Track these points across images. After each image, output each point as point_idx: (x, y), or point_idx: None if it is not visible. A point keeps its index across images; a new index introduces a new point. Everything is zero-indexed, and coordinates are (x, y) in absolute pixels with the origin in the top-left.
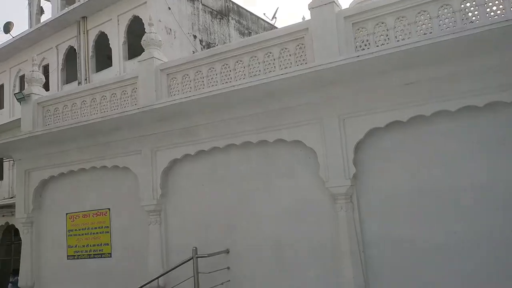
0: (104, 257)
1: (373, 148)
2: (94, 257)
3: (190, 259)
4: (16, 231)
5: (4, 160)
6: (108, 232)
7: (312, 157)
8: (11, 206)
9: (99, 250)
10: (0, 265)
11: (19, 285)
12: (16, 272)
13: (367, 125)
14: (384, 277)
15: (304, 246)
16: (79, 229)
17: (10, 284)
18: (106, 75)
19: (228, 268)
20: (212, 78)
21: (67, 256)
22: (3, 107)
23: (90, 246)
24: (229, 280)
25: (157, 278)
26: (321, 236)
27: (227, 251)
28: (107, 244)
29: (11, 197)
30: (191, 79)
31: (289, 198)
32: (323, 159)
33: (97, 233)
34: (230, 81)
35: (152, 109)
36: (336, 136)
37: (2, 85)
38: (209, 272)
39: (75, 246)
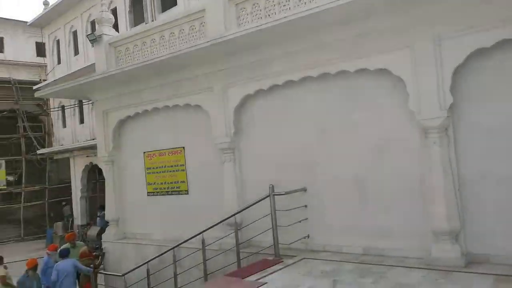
0: (181, 194)
1: (475, 74)
2: (172, 194)
3: (267, 197)
4: (100, 170)
5: (83, 103)
6: (183, 170)
7: (400, 87)
8: (93, 147)
9: (176, 188)
10: (88, 201)
11: (106, 218)
12: (102, 207)
13: (469, 46)
14: (481, 219)
15: (390, 184)
16: (157, 167)
17: (98, 218)
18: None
19: (305, 206)
20: (284, 5)
21: (147, 192)
22: (78, 53)
23: (168, 183)
24: (307, 218)
25: (234, 215)
26: (409, 173)
27: (305, 189)
28: (184, 182)
29: (93, 139)
30: (261, 7)
31: (372, 133)
32: (414, 88)
33: (173, 171)
34: (305, 4)
35: (222, 41)
36: (430, 61)
37: (75, 32)
38: (286, 210)
39: (154, 184)
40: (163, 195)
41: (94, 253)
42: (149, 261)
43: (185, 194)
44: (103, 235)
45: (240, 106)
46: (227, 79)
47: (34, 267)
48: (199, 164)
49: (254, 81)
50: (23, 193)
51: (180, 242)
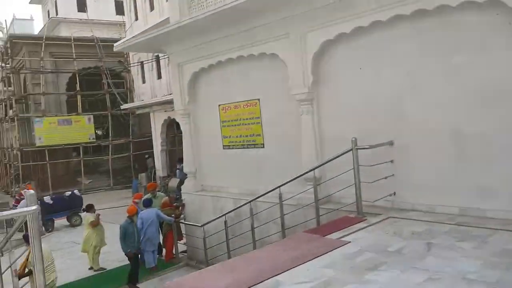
0: (257, 148)
1: None
2: (247, 147)
3: (349, 151)
4: (178, 125)
5: (160, 58)
6: (259, 123)
7: None
8: (171, 102)
9: (252, 141)
10: (168, 154)
11: (184, 170)
12: (181, 160)
13: None
14: None
15: (495, 139)
16: (232, 120)
17: (177, 170)
18: None
19: (391, 161)
20: None
21: (223, 146)
22: (153, 8)
23: (243, 136)
24: (393, 175)
25: (313, 169)
26: None
27: (391, 143)
28: (259, 135)
29: (170, 94)
30: None
31: (476, 78)
32: None
33: (249, 124)
34: None
35: None
36: None
37: None
38: (370, 166)
39: (229, 137)
40: (238, 148)
41: (175, 204)
42: (226, 213)
43: (261, 147)
44: (182, 186)
45: (319, 53)
46: (305, 24)
47: (135, 214)
48: (275, 117)
49: (335, 24)
50: (110, 145)
51: (256, 196)
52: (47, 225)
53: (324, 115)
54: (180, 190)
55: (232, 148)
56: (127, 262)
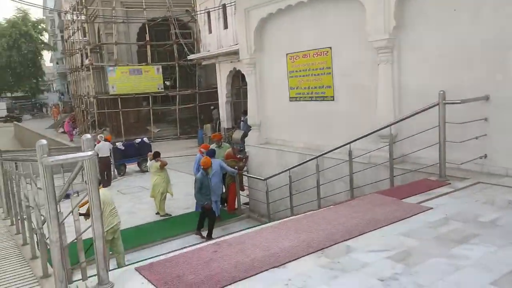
0: (326, 100)
1: None
2: (316, 100)
3: (435, 105)
4: (243, 76)
5: (226, 6)
6: (330, 73)
7: None
8: (237, 53)
9: (321, 93)
10: (233, 106)
11: (248, 123)
12: (245, 112)
13: None
14: None
15: None
16: (300, 70)
17: (242, 122)
18: None
19: (485, 119)
20: None
21: (289, 98)
22: None
23: (312, 88)
24: (486, 134)
25: (390, 125)
26: None
27: (486, 98)
28: (329, 87)
29: (236, 44)
30: None
31: None
32: None
33: (318, 74)
34: None
35: None
36: None
37: None
38: (461, 123)
39: (296, 88)
40: (306, 101)
41: (239, 156)
42: (291, 168)
43: (331, 100)
44: (246, 139)
45: None
46: None
47: (210, 167)
48: (348, 67)
49: None
50: (177, 96)
51: (324, 152)
52: (120, 169)
53: (405, 65)
54: (244, 142)
55: (299, 100)
56: (191, 210)
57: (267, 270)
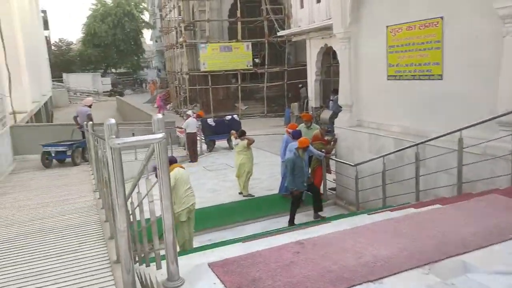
0: (432, 79)
1: None
2: (419, 79)
3: None
4: (334, 53)
5: None
6: (439, 48)
7: None
8: (329, 28)
9: (427, 71)
10: (322, 84)
11: (339, 103)
12: (335, 91)
13: None
14: None
15: None
16: (402, 45)
17: (331, 102)
18: None
19: None
20: None
21: (387, 76)
22: None
23: (415, 65)
24: None
25: None
26: None
27: None
28: (437, 64)
29: (329, 18)
30: None
31: None
32: None
33: (424, 49)
34: None
35: None
36: None
37: None
38: None
39: (396, 65)
40: (407, 79)
41: (326, 138)
42: (386, 154)
43: (438, 79)
44: (335, 120)
45: None
46: None
47: (307, 147)
48: (462, 40)
49: None
50: (266, 73)
51: (427, 139)
52: (209, 145)
53: None
54: (333, 123)
55: (399, 79)
56: (274, 191)
57: (359, 284)
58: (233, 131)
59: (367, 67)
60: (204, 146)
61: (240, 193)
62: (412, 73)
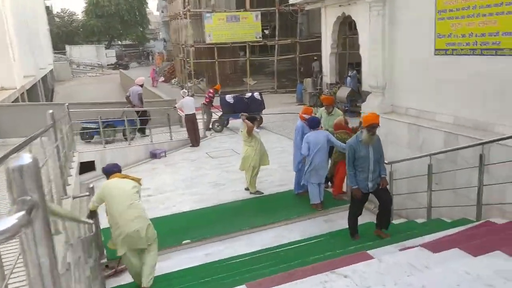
0: (501, 55)
1: None
2: (482, 54)
3: None
4: (351, 24)
5: None
6: None
7: None
8: None
9: (493, 43)
10: (338, 58)
11: (369, 84)
12: (352, 65)
13: None
14: None
15: None
16: (457, 9)
17: (348, 78)
18: None
19: None
20: None
21: (435, 50)
22: None
23: (476, 36)
24: None
25: None
26: None
27: None
28: (510, 34)
29: None
30: None
31: None
32: None
33: (490, 14)
34: None
35: None
36: None
37: None
38: None
39: (448, 36)
40: (464, 54)
41: (351, 126)
42: (434, 153)
43: (509, 54)
44: (362, 105)
45: None
46: None
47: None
48: None
49: None
50: (276, 46)
51: (500, 137)
52: (223, 124)
53: None
54: (350, 102)
55: (452, 54)
56: (288, 187)
57: None
58: (243, 114)
59: (406, 38)
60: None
61: (247, 189)
62: (471, 46)
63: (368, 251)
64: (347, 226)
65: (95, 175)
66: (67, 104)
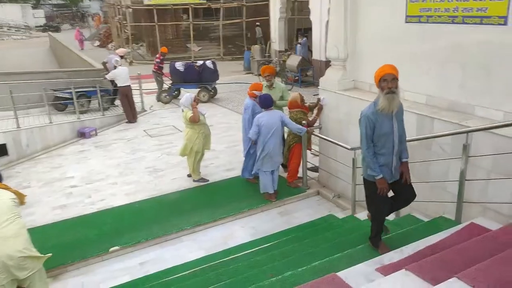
0: (487, 23)
1: None
2: (463, 23)
3: None
4: None
5: None
6: None
7: None
8: None
9: (478, 10)
10: (287, 23)
11: (328, 55)
12: (302, 31)
13: None
14: None
15: None
16: None
17: (298, 45)
18: None
19: None
20: None
21: (406, 17)
22: None
23: (456, 1)
24: None
25: None
26: None
27: None
28: None
29: None
30: None
31: None
32: None
33: None
34: None
35: None
36: None
37: None
38: None
39: (423, 0)
40: (441, 22)
41: (307, 104)
42: (409, 140)
43: (499, 23)
44: (320, 80)
45: None
46: None
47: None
48: None
49: None
50: (222, 9)
51: (489, 126)
52: (173, 94)
53: None
54: (301, 71)
55: (427, 22)
56: (236, 172)
57: None
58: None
59: (373, 1)
60: (149, 101)
61: (190, 175)
62: (451, 12)
63: (338, 274)
64: (304, 221)
65: (8, 161)
66: None
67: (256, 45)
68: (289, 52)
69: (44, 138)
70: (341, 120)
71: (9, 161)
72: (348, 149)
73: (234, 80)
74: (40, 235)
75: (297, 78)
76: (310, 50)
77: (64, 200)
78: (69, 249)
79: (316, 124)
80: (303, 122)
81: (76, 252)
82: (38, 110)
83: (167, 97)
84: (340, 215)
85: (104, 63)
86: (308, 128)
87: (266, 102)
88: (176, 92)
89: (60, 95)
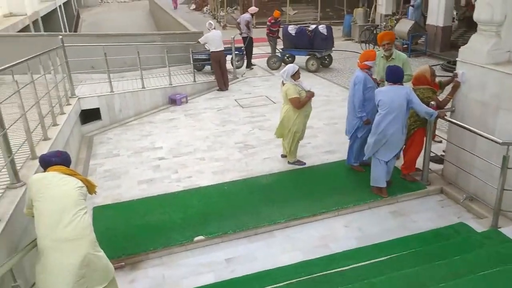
0: None
1: None
2: None
3: None
4: None
5: None
6: None
7: None
8: None
9: None
10: None
11: (477, 17)
12: None
13: None
14: None
15: None
16: None
17: (410, 7)
18: None
19: None
20: None
21: None
22: None
23: None
24: None
25: None
26: None
27: None
28: None
29: None
30: None
31: None
32: None
33: None
34: None
35: None
36: None
37: None
38: None
39: None
40: None
41: (438, 81)
42: None
43: None
44: (460, 50)
45: None
46: None
47: None
48: None
49: None
50: None
51: None
52: (284, 60)
53: None
54: (412, 38)
55: None
56: (338, 155)
57: None
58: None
59: None
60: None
61: (284, 155)
62: None
63: None
64: (425, 228)
65: (101, 126)
66: (60, 37)
67: (359, 8)
68: (397, 16)
69: (136, 103)
70: (487, 103)
71: (102, 126)
72: (498, 143)
73: (337, 48)
74: (126, 213)
75: (406, 46)
76: (423, 14)
77: (151, 173)
78: (152, 232)
79: (448, 106)
80: (432, 102)
81: (159, 237)
82: (131, 74)
83: (276, 63)
84: (474, 224)
85: (237, 24)
86: (439, 111)
87: (396, 75)
88: (289, 59)
89: (198, 57)
